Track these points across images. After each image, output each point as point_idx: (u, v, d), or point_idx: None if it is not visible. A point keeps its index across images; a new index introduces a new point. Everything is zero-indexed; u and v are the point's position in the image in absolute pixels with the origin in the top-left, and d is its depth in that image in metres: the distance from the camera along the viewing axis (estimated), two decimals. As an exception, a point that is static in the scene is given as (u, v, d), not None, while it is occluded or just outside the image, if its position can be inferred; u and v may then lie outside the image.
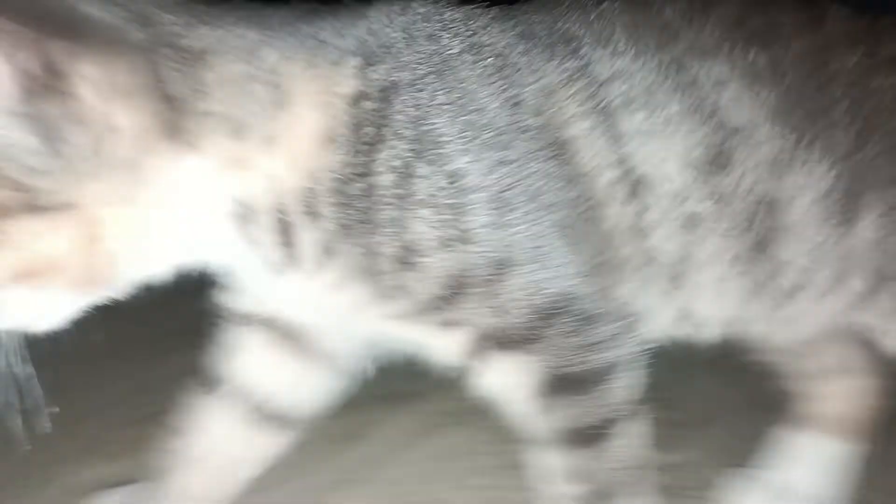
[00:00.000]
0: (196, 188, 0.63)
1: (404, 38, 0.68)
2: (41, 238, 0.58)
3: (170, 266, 0.67)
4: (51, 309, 0.63)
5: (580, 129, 0.71)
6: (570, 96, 0.71)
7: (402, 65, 0.67)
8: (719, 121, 0.74)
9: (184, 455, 0.84)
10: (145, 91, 0.60)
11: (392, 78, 0.66)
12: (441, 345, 0.69)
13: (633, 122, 0.72)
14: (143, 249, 0.63)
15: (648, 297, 0.75)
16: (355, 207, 0.64)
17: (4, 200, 0.56)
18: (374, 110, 0.65)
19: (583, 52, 0.73)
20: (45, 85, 0.56)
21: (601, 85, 0.72)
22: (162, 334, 1.42)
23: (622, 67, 0.73)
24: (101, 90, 0.58)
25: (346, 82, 0.65)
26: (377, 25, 0.69)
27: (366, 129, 0.64)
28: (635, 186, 0.72)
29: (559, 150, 0.69)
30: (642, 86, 0.73)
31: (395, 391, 1.26)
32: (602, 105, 0.72)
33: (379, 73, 0.66)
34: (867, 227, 0.77)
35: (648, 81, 0.73)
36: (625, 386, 0.69)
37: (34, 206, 0.57)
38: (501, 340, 0.67)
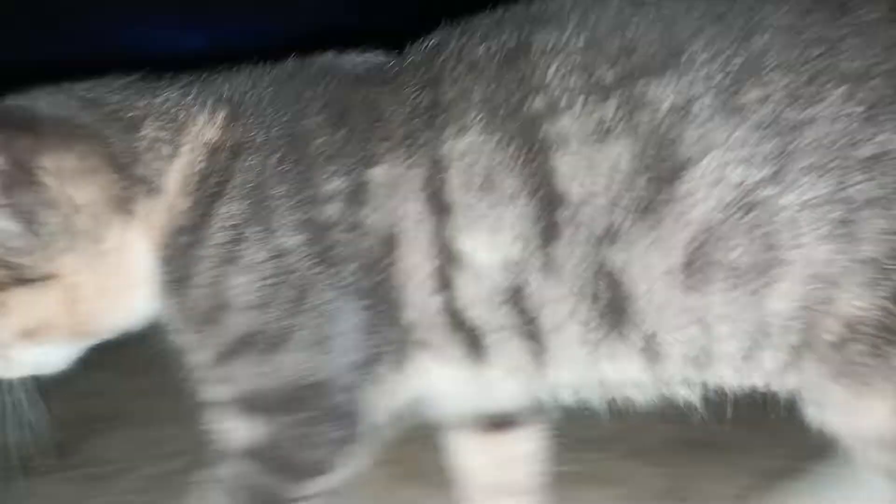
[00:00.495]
0: (142, 247, 0.71)
1: (270, 100, 0.72)
2: (32, 304, 0.69)
3: (148, 312, 0.75)
4: (53, 355, 0.75)
5: (408, 224, 0.68)
6: (406, 187, 0.68)
7: (260, 125, 0.70)
8: (551, 190, 0.67)
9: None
10: (99, 169, 0.70)
11: (249, 136, 0.70)
12: (215, 395, 0.72)
13: (468, 208, 0.67)
14: (119, 304, 0.73)
15: (513, 378, 0.73)
16: (183, 257, 0.70)
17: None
18: (224, 163, 0.69)
19: (426, 134, 0.68)
20: (17, 179, 0.67)
21: (440, 171, 0.67)
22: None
23: (466, 146, 0.67)
24: (61, 176, 0.68)
25: (210, 132, 0.71)
26: (256, 83, 0.74)
27: (211, 181, 0.69)
28: (454, 268, 0.68)
29: (380, 244, 0.68)
30: (484, 163, 0.67)
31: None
32: (436, 194, 0.67)
33: (238, 129, 0.70)
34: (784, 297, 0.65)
35: (492, 158, 0.67)
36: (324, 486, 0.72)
37: (22, 279, 0.68)
38: (250, 404, 0.71)
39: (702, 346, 0.67)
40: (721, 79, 0.63)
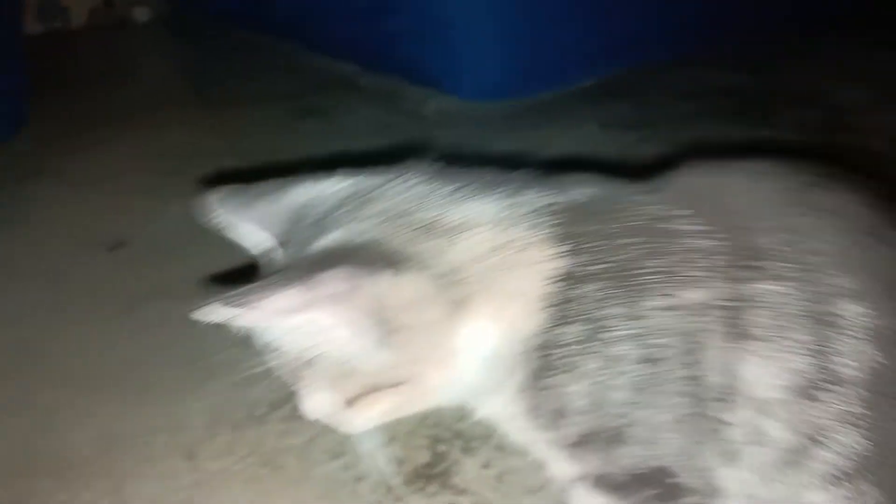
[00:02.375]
0: (485, 343, 0.74)
1: (599, 231, 0.74)
2: (385, 403, 0.75)
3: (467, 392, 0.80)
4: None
5: (713, 342, 0.72)
6: (719, 316, 0.72)
7: (594, 259, 0.73)
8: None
9: None
10: (428, 289, 0.72)
11: (588, 269, 0.72)
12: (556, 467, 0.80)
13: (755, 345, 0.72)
14: (459, 389, 0.77)
15: None
16: (532, 368, 0.73)
17: (363, 387, 0.73)
18: (567, 293, 0.72)
19: (745, 274, 0.72)
20: (379, 322, 0.70)
21: (744, 309, 0.72)
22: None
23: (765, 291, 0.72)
24: (404, 307, 0.71)
25: (556, 261, 0.73)
26: (580, 211, 0.76)
27: (561, 307, 0.72)
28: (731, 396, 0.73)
29: (689, 353, 0.72)
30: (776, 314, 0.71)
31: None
32: (738, 329, 0.72)
33: (579, 261, 0.73)
34: None
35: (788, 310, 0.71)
36: None
37: (379, 387, 0.73)
38: (600, 484, 0.77)
39: None
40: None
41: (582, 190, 0.79)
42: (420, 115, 2.32)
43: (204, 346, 1.33)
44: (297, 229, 0.77)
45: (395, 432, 1.15)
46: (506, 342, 0.74)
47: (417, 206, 0.75)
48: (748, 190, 0.78)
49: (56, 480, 1.09)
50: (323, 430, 1.16)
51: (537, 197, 0.77)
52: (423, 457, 1.12)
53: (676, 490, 0.75)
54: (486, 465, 1.10)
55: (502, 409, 0.79)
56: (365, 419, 0.77)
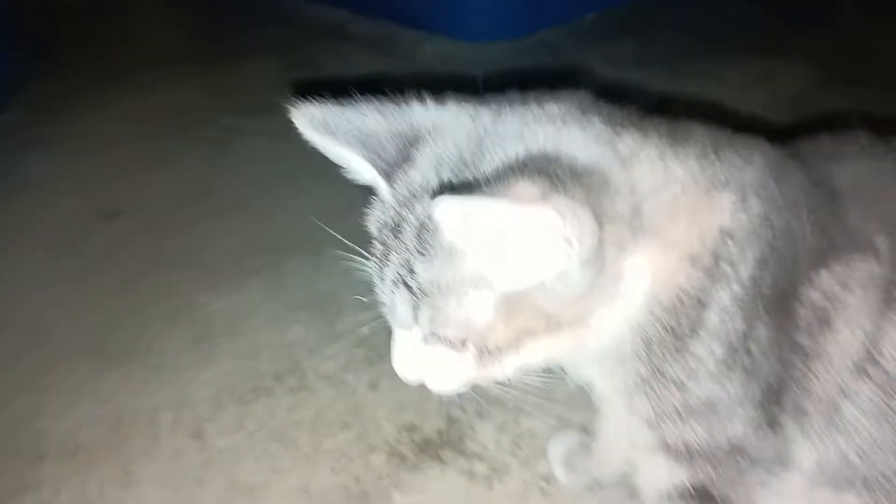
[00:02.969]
0: (641, 285, 0.70)
1: (774, 193, 0.72)
2: (548, 345, 0.70)
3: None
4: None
5: (851, 318, 0.72)
6: (871, 292, 0.72)
7: (765, 219, 0.71)
8: None
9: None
10: (628, 205, 0.68)
11: (755, 228, 0.70)
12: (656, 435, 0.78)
13: None
14: (611, 333, 0.72)
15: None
16: (676, 324, 0.71)
17: (534, 326, 0.68)
18: (731, 250, 0.70)
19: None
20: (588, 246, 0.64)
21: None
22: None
23: None
24: (611, 217, 0.66)
25: (722, 215, 0.70)
26: (759, 170, 0.73)
27: (721, 265, 0.70)
28: (868, 365, 0.72)
29: (821, 326, 0.72)
30: None
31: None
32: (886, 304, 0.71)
33: (746, 218, 0.70)
34: None
35: None
36: None
37: (555, 326, 0.69)
38: (679, 453, 0.77)
39: None
40: None
41: (739, 144, 0.75)
42: (415, 61, 2.25)
43: (205, 317, 1.31)
44: (423, 153, 0.71)
45: (407, 397, 1.12)
46: (653, 293, 0.71)
47: (584, 130, 0.71)
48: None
49: (65, 464, 1.08)
50: (332, 400, 1.14)
51: (700, 142, 0.73)
52: (437, 423, 1.09)
53: (755, 461, 0.76)
54: (501, 429, 1.07)
55: (611, 379, 0.77)
56: (513, 364, 0.71)
